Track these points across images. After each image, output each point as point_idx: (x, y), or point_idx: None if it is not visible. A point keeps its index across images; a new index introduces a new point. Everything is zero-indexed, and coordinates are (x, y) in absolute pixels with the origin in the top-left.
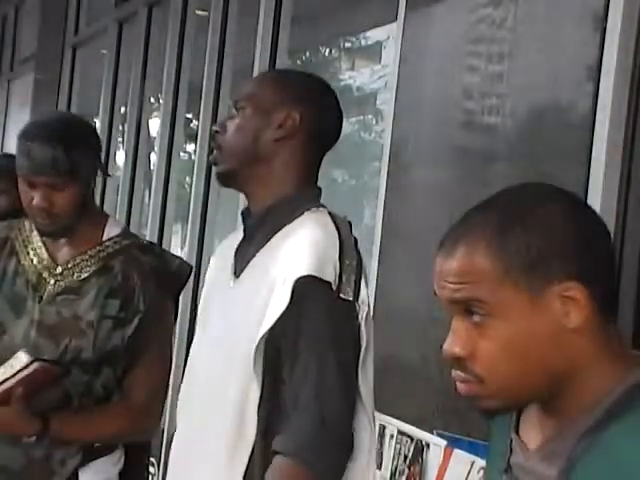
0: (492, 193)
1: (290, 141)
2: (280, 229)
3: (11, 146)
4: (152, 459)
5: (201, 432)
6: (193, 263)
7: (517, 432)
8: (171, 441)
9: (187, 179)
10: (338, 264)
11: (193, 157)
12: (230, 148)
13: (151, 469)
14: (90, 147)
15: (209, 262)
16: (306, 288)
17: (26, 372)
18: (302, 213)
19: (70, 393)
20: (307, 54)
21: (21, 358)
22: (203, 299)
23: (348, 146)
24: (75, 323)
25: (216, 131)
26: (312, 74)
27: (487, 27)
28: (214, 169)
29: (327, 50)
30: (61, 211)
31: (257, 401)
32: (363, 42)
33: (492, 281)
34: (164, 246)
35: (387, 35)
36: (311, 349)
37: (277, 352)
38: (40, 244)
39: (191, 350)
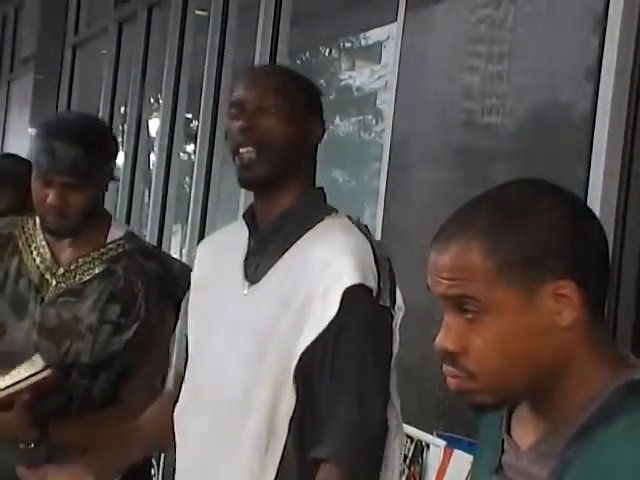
0: None
1: (308, 147)
2: (301, 235)
3: (11, 146)
4: (152, 460)
5: (224, 439)
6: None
7: (508, 432)
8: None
9: (187, 179)
10: (376, 271)
11: (193, 157)
12: (275, 151)
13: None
14: (109, 150)
15: None
16: (355, 297)
17: (37, 378)
18: (322, 219)
19: (72, 397)
20: (307, 54)
21: (37, 363)
22: (194, 303)
23: (348, 146)
24: (75, 326)
25: (250, 127)
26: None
27: (487, 27)
28: (247, 172)
29: (327, 50)
30: (74, 211)
31: (290, 405)
32: (363, 42)
33: (485, 279)
34: (164, 246)
35: (387, 35)
36: (353, 356)
37: (310, 359)
38: (44, 243)
39: (193, 355)
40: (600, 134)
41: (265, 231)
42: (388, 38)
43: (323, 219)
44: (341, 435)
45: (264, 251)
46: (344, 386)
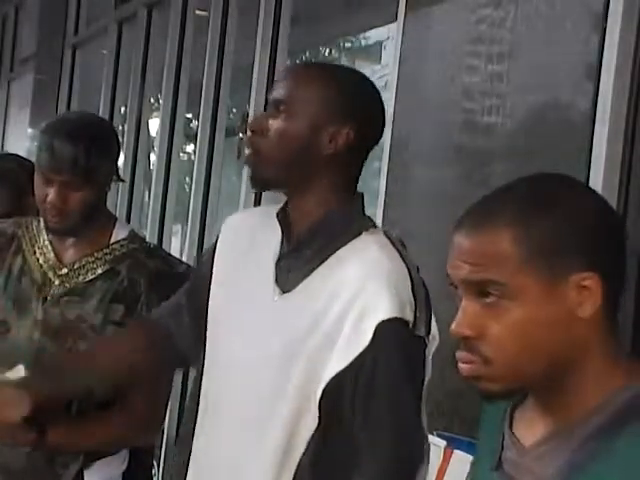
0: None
1: (338, 157)
2: (337, 249)
3: (11, 146)
4: (154, 461)
5: (242, 448)
6: (193, 263)
7: (511, 428)
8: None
9: (187, 179)
10: (413, 300)
11: (193, 157)
12: (272, 155)
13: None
14: (111, 151)
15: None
16: (389, 330)
17: None
18: (360, 233)
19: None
20: (307, 54)
21: (19, 372)
22: (216, 297)
23: None
24: (78, 325)
25: (253, 131)
26: (357, 71)
27: (487, 27)
28: (250, 173)
29: (327, 50)
30: (73, 211)
31: (310, 429)
32: (363, 42)
33: (513, 265)
34: (164, 246)
35: (387, 35)
36: (388, 388)
37: (340, 388)
38: (47, 243)
39: (210, 353)
40: (600, 134)
41: (299, 236)
42: (388, 38)
43: (360, 234)
44: (379, 473)
45: (297, 257)
46: (380, 422)
